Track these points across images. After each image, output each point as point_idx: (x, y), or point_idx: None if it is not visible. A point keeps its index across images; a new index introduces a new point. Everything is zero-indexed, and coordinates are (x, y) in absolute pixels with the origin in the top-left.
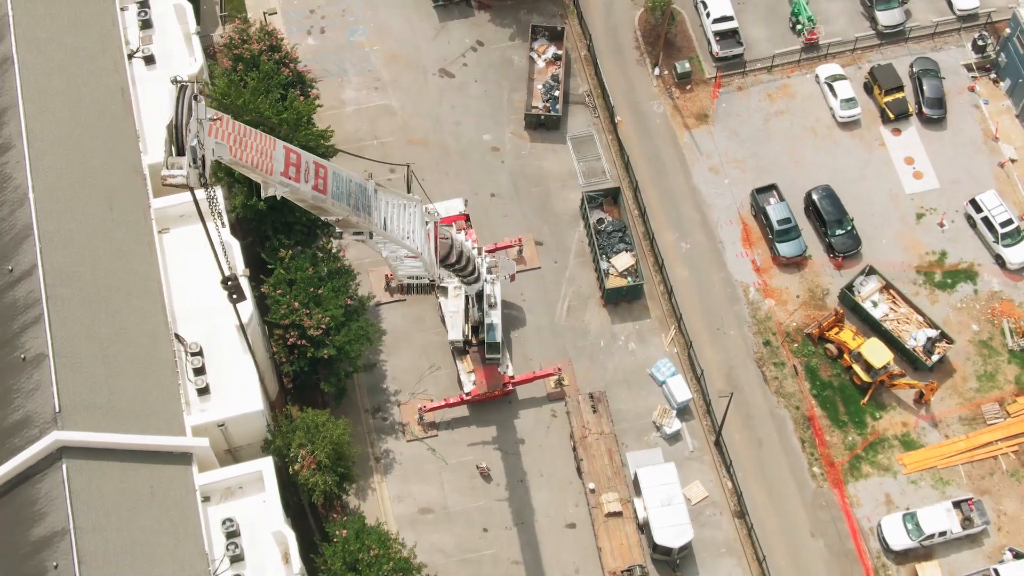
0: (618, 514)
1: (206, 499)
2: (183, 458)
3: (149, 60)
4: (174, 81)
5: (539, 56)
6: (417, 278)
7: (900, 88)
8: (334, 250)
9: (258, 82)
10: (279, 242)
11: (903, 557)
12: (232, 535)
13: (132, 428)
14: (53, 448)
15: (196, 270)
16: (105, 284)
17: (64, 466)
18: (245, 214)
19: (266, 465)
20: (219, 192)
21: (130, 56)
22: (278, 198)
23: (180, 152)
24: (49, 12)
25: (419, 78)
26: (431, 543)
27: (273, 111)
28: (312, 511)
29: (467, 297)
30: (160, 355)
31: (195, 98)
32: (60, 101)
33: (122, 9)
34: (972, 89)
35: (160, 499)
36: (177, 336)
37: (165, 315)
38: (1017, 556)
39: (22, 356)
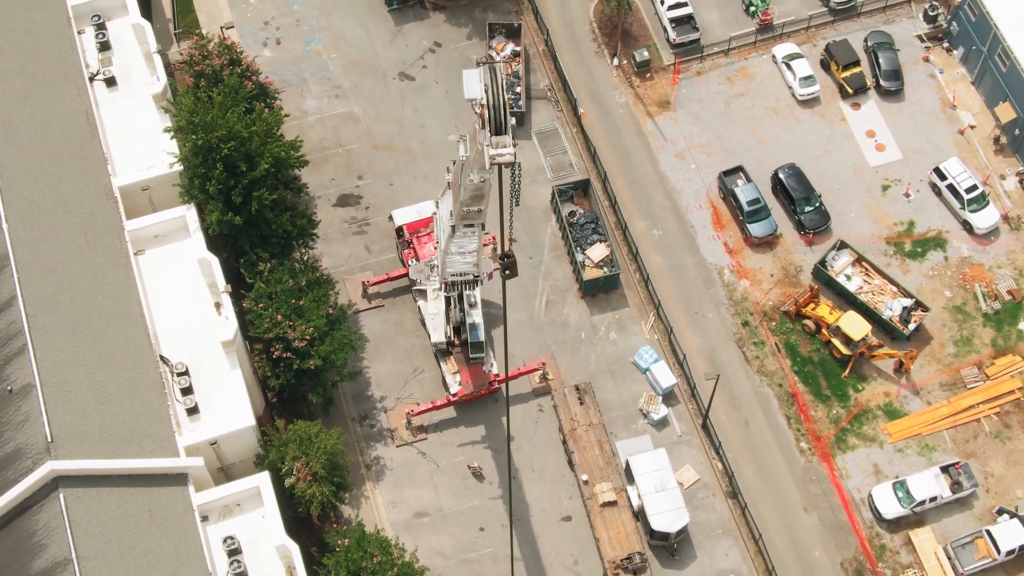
0: (613, 503)
1: (205, 518)
2: (179, 479)
3: (111, 82)
4: (481, 62)
5: (498, 54)
6: (462, 274)
7: (857, 63)
8: (311, 261)
9: (224, 97)
10: (257, 256)
11: (896, 525)
12: (234, 552)
13: (126, 453)
14: (49, 478)
15: (174, 290)
16: (86, 310)
17: (61, 495)
18: (221, 230)
19: (263, 480)
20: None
21: (91, 79)
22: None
23: (498, 131)
24: (7, 40)
25: (380, 83)
26: (429, 546)
27: (242, 125)
28: (307, 523)
29: (447, 298)
30: (147, 378)
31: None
32: (26, 129)
33: (79, 32)
34: (927, 59)
35: (159, 522)
36: (162, 357)
37: (148, 337)
38: (1001, 513)
39: (8, 388)
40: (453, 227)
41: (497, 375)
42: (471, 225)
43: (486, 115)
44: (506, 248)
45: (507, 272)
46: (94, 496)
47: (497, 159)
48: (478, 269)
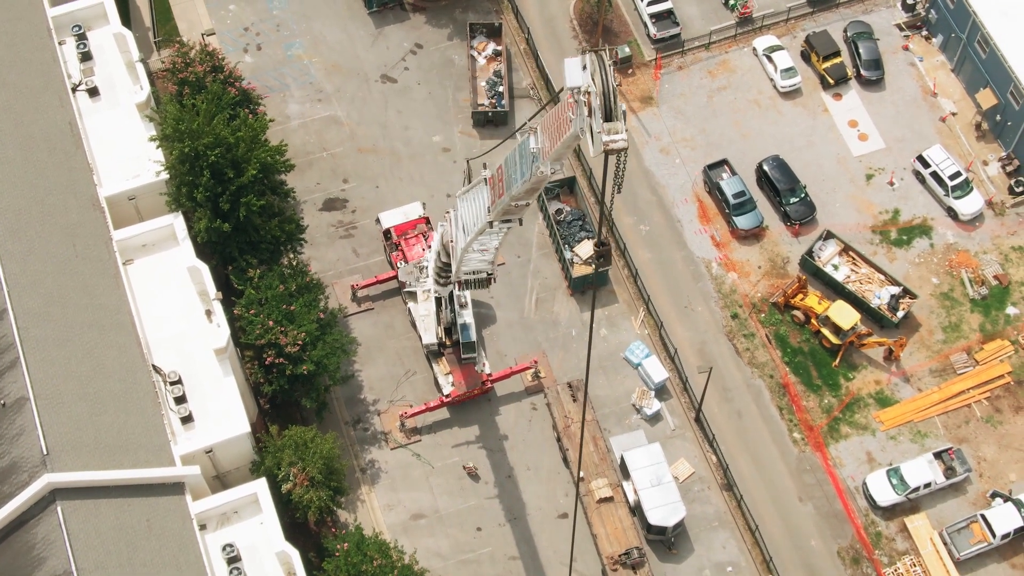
0: (609, 499)
1: (203, 527)
2: (176, 488)
3: (93, 92)
4: (588, 51)
5: (479, 53)
6: (475, 272)
7: (837, 53)
8: (300, 266)
9: (209, 104)
10: (246, 262)
11: (891, 512)
12: (233, 560)
13: (122, 463)
14: (46, 491)
15: (164, 298)
16: (77, 321)
17: (59, 508)
18: (209, 237)
19: (260, 487)
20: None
21: (74, 89)
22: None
23: (608, 118)
24: None
25: (362, 86)
26: (427, 548)
27: (228, 131)
28: (304, 529)
29: (438, 299)
30: (140, 387)
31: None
32: (10, 141)
33: (60, 43)
34: (906, 48)
35: (157, 531)
36: (154, 367)
37: (140, 347)
38: (995, 496)
39: (2, 402)
40: (491, 222)
41: (490, 375)
42: (508, 221)
43: (593, 102)
44: (603, 237)
45: (601, 260)
46: (92, 508)
47: (611, 145)
48: (493, 267)
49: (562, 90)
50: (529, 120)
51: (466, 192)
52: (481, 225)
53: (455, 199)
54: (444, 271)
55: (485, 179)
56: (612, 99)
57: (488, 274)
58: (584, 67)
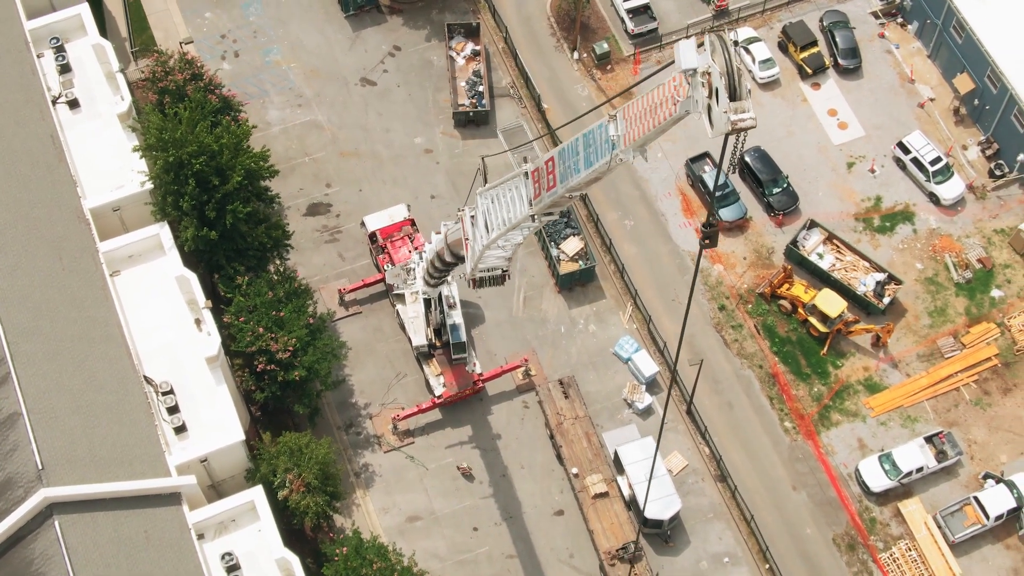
0: (604, 495)
1: (201, 536)
2: (172, 498)
3: (73, 104)
4: (705, 31)
5: (458, 54)
6: (490, 270)
7: (814, 43)
8: (288, 272)
9: (192, 112)
10: (234, 270)
11: (884, 498)
12: (233, 569)
13: (117, 476)
14: (42, 506)
15: (153, 309)
16: (67, 335)
17: (56, 523)
18: (196, 246)
19: (257, 494)
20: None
21: (54, 102)
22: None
23: (733, 97)
24: None
25: (342, 90)
26: (424, 549)
27: (212, 139)
28: (300, 535)
29: (427, 301)
30: (133, 399)
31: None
32: None
33: (39, 56)
34: (882, 35)
35: (155, 542)
36: (146, 378)
37: (131, 358)
38: (988, 478)
39: None
40: (532, 216)
41: (480, 374)
42: (550, 214)
43: (714, 82)
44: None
45: (707, 241)
46: (89, 521)
47: (739, 124)
48: (509, 264)
49: (538, 97)
50: (589, 111)
51: (493, 187)
52: (518, 219)
53: (476, 196)
54: (440, 272)
55: (526, 172)
56: (736, 78)
57: (503, 271)
58: (701, 48)
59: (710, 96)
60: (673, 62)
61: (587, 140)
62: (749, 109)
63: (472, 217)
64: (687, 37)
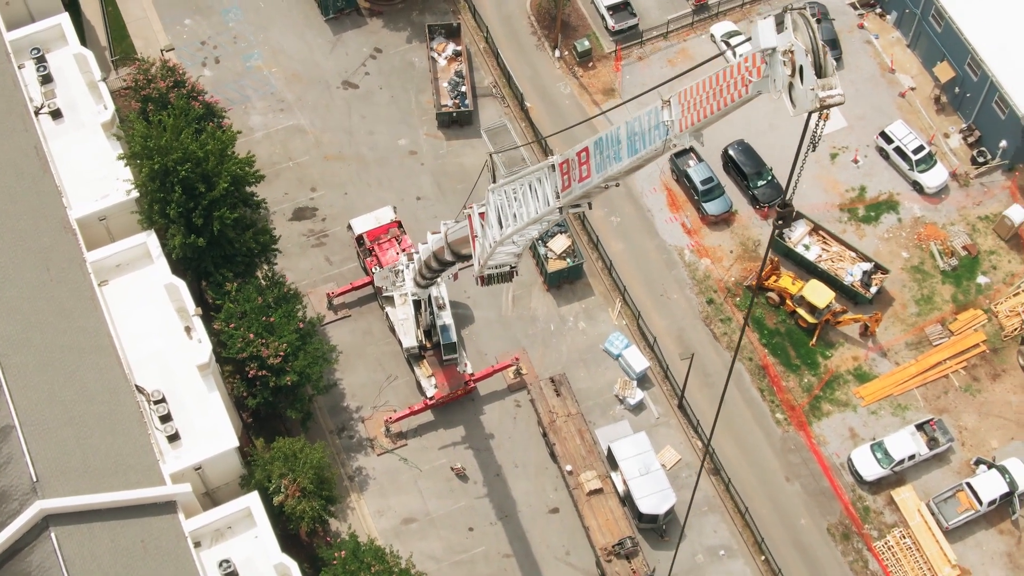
0: (599, 491)
1: (198, 544)
2: (168, 507)
3: (56, 114)
4: (789, 9)
5: (439, 55)
6: (498, 267)
7: None
8: (277, 277)
9: (176, 119)
10: (222, 276)
11: (877, 486)
12: (231, 575)
13: (112, 486)
14: (38, 518)
15: (142, 317)
16: (57, 346)
17: (53, 534)
18: (184, 253)
19: (253, 500)
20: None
21: (37, 113)
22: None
23: (819, 75)
24: None
25: (324, 93)
26: (420, 551)
27: (197, 145)
28: (296, 541)
29: (416, 302)
30: (125, 408)
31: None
32: None
33: (19, 67)
34: (861, 26)
35: (153, 551)
36: (137, 387)
37: (122, 368)
38: (980, 464)
39: None
40: (560, 208)
41: (472, 375)
42: (578, 206)
43: (798, 60)
44: (789, 197)
45: (780, 222)
46: (85, 532)
47: (828, 101)
48: (518, 260)
49: (523, 93)
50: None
51: (510, 182)
52: (543, 212)
53: (485, 192)
54: (435, 272)
55: (553, 164)
56: (822, 55)
57: (511, 267)
58: (781, 27)
59: (793, 74)
60: (720, 53)
61: (631, 128)
62: (837, 85)
63: (481, 214)
64: (762, 17)
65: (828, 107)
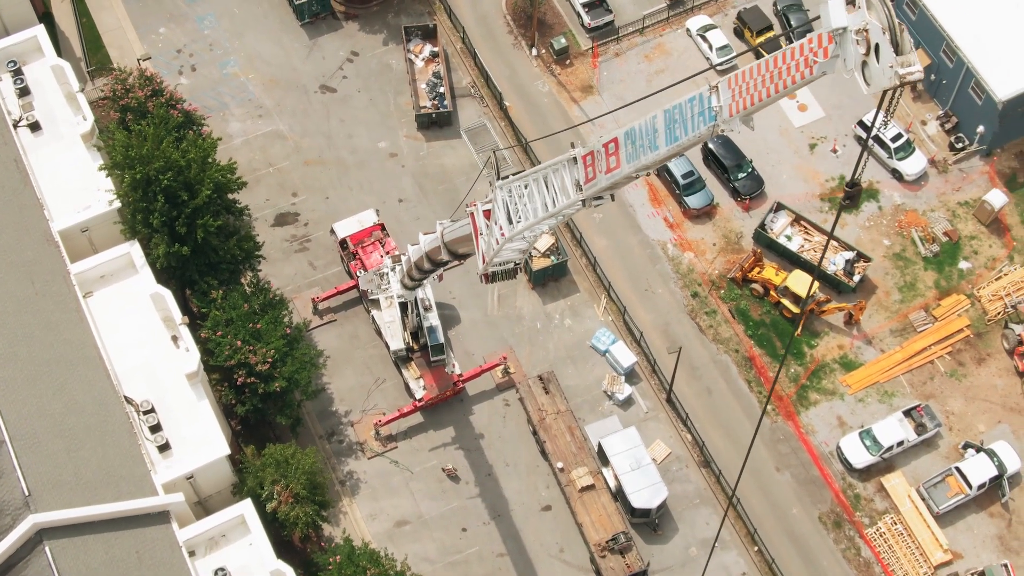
0: (591, 487)
1: (192, 553)
2: (161, 517)
3: (35, 127)
4: None
5: (416, 56)
6: (503, 264)
7: (770, 27)
8: (262, 283)
9: (156, 127)
10: (207, 284)
11: (867, 473)
12: None
13: (104, 497)
14: (32, 532)
15: (128, 328)
16: (44, 359)
17: (47, 548)
18: (168, 262)
19: (247, 507)
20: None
21: (15, 125)
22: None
23: (897, 52)
24: None
25: (302, 98)
26: (414, 553)
27: (179, 154)
28: (289, 547)
29: (403, 305)
30: (114, 420)
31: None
32: None
33: None
34: None
35: (147, 562)
36: (126, 398)
37: (110, 379)
38: (968, 448)
39: None
40: (583, 200)
41: (460, 375)
42: (600, 198)
43: (873, 38)
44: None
45: (848, 202)
46: (80, 545)
47: (908, 77)
48: (523, 256)
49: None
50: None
51: (520, 178)
52: (562, 205)
53: (491, 190)
54: (425, 273)
55: (576, 157)
56: (898, 32)
57: (516, 264)
58: (853, 6)
59: (867, 53)
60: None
61: (670, 116)
62: (916, 62)
63: (485, 212)
64: None
65: (908, 84)
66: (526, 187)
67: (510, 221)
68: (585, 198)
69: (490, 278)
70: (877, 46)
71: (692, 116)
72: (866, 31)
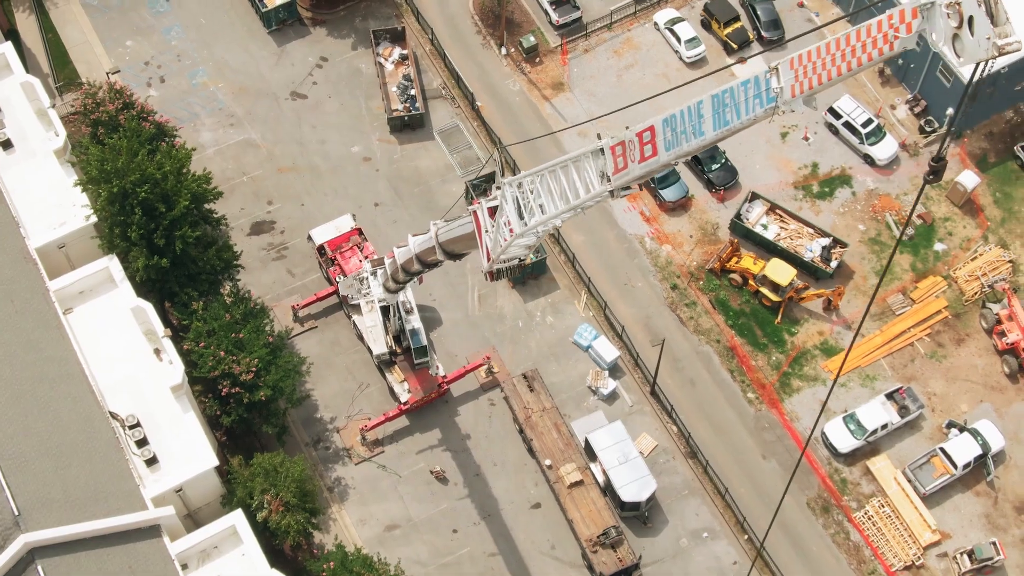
0: (579, 483)
1: (185, 566)
2: (152, 531)
3: (6, 144)
4: None
5: (386, 60)
6: (507, 260)
7: (736, 18)
8: (243, 293)
9: (130, 140)
10: (187, 295)
11: (852, 458)
12: None
13: (95, 514)
14: (23, 552)
15: (110, 342)
16: (27, 377)
17: (39, 567)
18: (148, 275)
19: (238, 518)
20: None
21: None
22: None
23: (994, 23)
24: None
25: (273, 106)
26: (406, 557)
27: (154, 166)
28: (280, 556)
29: (384, 308)
30: (101, 436)
31: None
32: None
33: None
34: (801, 4)
35: None
36: (112, 413)
37: (94, 395)
38: (951, 427)
39: None
40: (612, 191)
41: (444, 377)
42: (628, 188)
43: (966, 10)
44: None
45: (932, 177)
46: (72, 562)
47: (1007, 48)
48: (529, 251)
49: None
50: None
51: (533, 173)
52: (588, 196)
53: (503, 186)
54: (411, 276)
55: (603, 148)
56: (994, 3)
57: (520, 259)
58: None
59: (960, 26)
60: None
61: (719, 101)
62: (1013, 32)
63: (490, 209)
64: None
65: (1007, 53)
66: (540, 183)
67: (521, 217)
68: (614, 188)
69: (495, 275)
70: (971, 18)
71: (746, 99)
72: (958, 3)
